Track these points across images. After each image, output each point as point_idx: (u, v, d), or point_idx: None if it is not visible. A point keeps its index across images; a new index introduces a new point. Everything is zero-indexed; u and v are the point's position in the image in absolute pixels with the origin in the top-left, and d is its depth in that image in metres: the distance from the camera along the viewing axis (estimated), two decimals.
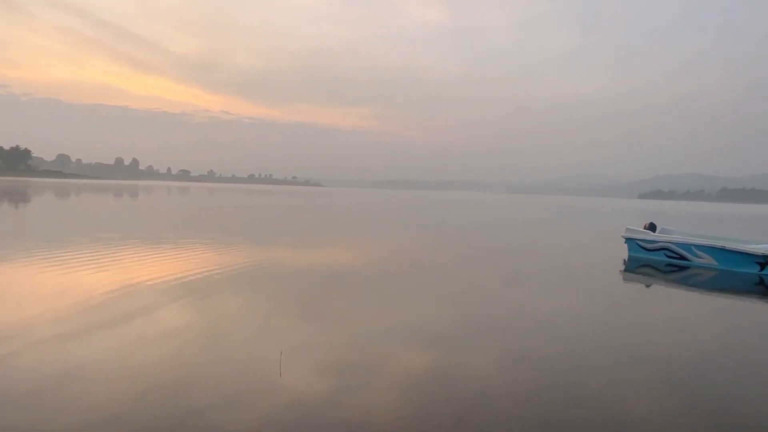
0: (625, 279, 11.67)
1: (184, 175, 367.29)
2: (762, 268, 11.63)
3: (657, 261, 13.21)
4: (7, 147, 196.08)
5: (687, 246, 12.89)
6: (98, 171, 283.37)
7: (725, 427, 4.16)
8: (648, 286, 11.05)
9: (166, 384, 4.49)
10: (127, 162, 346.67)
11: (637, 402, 4.54)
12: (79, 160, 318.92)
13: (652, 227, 14.18)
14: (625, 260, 13.58)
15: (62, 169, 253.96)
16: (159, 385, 4.47)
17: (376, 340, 6.01)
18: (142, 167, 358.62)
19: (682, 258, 12.92)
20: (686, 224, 30.12)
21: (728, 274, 11.71)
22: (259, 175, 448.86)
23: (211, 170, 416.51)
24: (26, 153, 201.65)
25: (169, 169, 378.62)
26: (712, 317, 8.40)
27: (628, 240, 14.22)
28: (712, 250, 12.44)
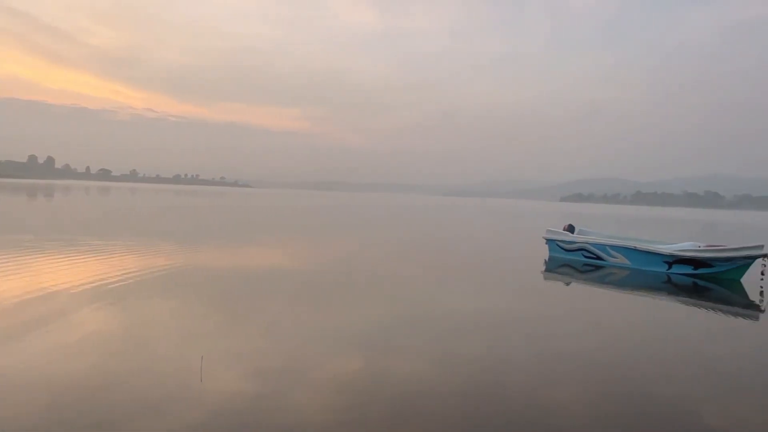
0: (545, 278, 12.17)
1: (105, 175, 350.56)
2: (669, 267, 12.43)
3: (575, 261, 13.86)
4: None
5: (602, 246, 13.60)
6: (8, 169, 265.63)
7: (641, 411, 4.44)
8: (567, 284, 11.58)
9: (81, 394, 4.31)
10: (41, 160, 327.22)
11: (560, 394, 4.76)
12: None
13: (570, 229, 14.87)
14: (546, 260, 14.16)
15: None
16: (74, 395, 4.29)
17: (303, 342, 5.99)
18: (58, 166, 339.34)
19: (598, 258, 13.62)
20: (603, 226, 31.71)
21: (639, 273, 12.45)
22: (186, 175, 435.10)
23: (134, 170, 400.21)
24: None
25: (87, 168, 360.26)
26: (626, 313, 8.90)
27: (548, 241, 14.83)
28: (625, 250, 13.19)
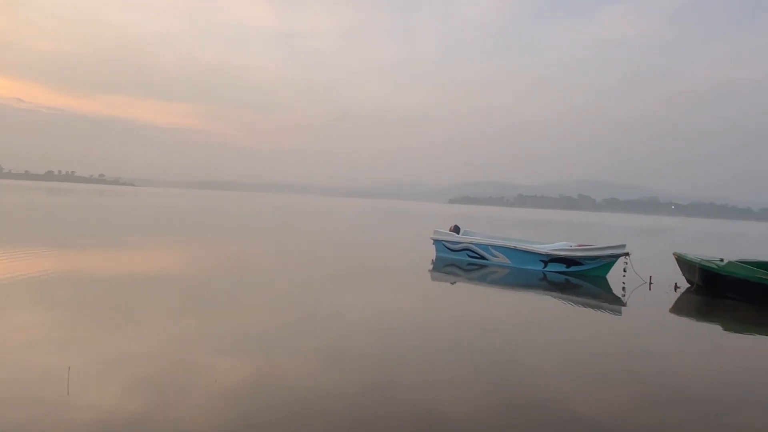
0: (432, 278, 12.53)
1: None
2: (545, 265, 13.28)
3: (460, 260, 14.42)
4: None
5: (485, 246, 14.27)
6: None
7: (523, 403, 4.69)
8: (453, 283, 12.00)
9: None
10: None
11: (448, 391, 4.89)
12: None
13: (456, 230, 15.46)
14: (433, 260, 14.60)
15: None
16: None
17: (187, 348, 5.74)
18: None
19: (482, 257, 14.26)
20: (487, 226, 33.24)
21: (518, 271, 13.18)
22: (59, 171, 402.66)
23: None
24: None
25: None
26: (508, 309, 9.38)
27: (435, 242, 15.32)
28: (505, 250, 13.92)
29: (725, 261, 10.97)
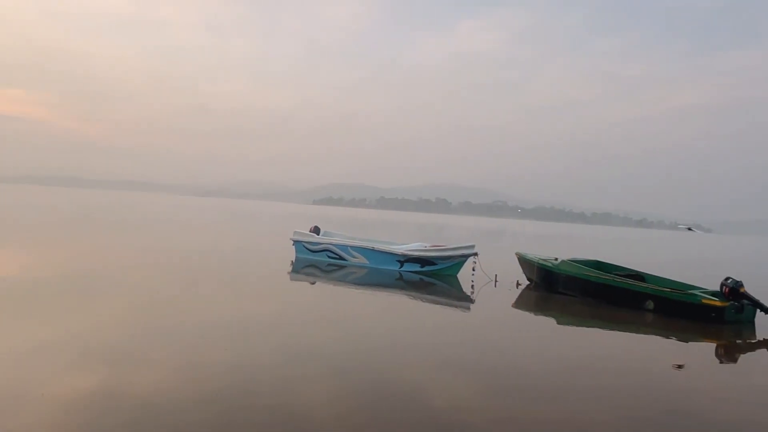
0: (292, 279, 12.42)
1: None
2: (401, 265, 13.72)
3: (320, 261, 14.45)
4: None
5: (344, 247, 14.43)
6: None
7: (382, 398, 4.76)
8: (312, 284, 11.98)
9: None
10: None
11: (309, 392, 4.83)
12: None
13: (316, 230, 15.47)
14: (292, 261, 14.47)
15: None
16: None
17: (27, 359, 5.16)
18: None
19: (341, 258, 14.41)
20: (349, 227, 33.66)
21: (376, 271, 13.49)
22: None
23: None
24: None
25: None
26: (366, 308, 9.54)
27: (295, 242, 15.21)
28: (364, 250, 14.18)
29: (559, 260, 12.07)
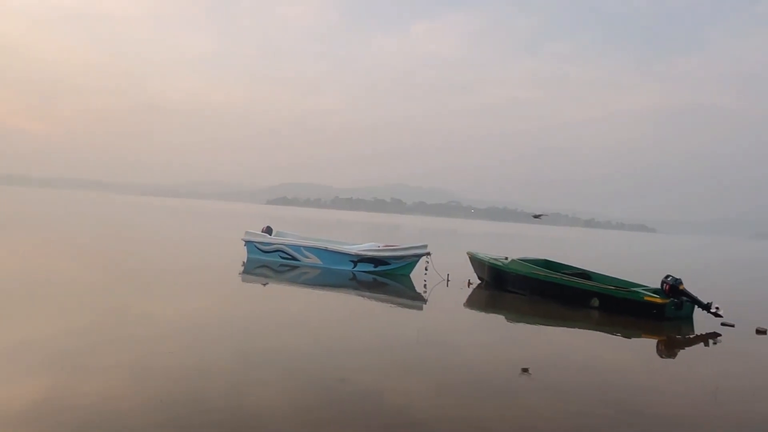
0: (244, 280, 12.23)
1: None
2: (355, 265, 13.70)
3: (272, 262, 14.28)
4: None
5: (297, 247, 14.31)
6: None
7: (337, 398, 4.71)
8: (265, 285, 11.84)
9: None
10: None
11: (264, 393, 4.78)
12: None
13: (268, 230, 15.27)
14: (244, 262, 14.25)
15: None
16: None
17: None
18: None
19: (294, 258, 14.27)
20: (303, 227, 33.42)
21: (330, 271, 13.43)
22: None
23: None
24: None
25: None
26: (319, 308, 9.50)
27: (247, 243, 14.98)
28: (317, 250, 14.10)
29: (509, 259, 12.30)
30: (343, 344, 6.90)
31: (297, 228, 25.87)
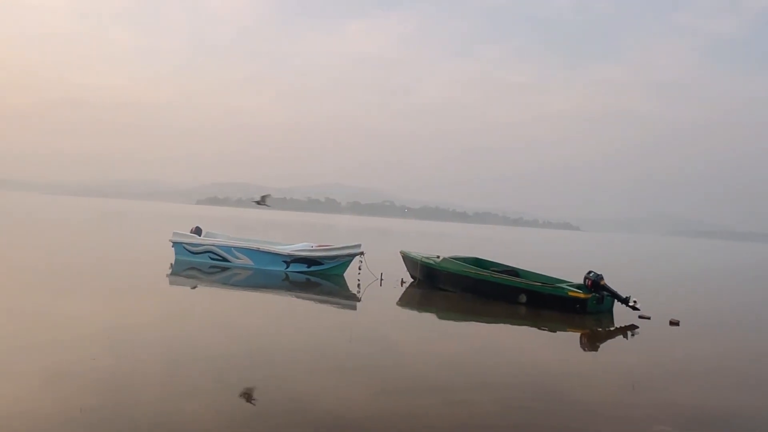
0: (171, 282, 11.83)
1: None
2: (287, 266, 13.53)
3: (202, 263, 13.88)
4: None
5: (228, 248, 13.98)
6: None
7: (271, 403, 4.65)
8: (193, 287, 11.50)
9: None
10: None
11: (193, 402, 4.61)
12: None
13: (197, 231, 14.83)
14: (172, 264, 13.79)
15: None
16: None
17: None
18: None
19: (224, 259, 13.94)
20: (234, 228, 32.72)
21: (262, 272, 13.20)
22: None
23: None
24: None
25: None
26: (250, 310, 9.31)
27: (175, 244, 14.50)
28: (248, 251, 13.82)
29: (441, 258, 12.50)
30: (275, 347, 6.80)
31: (228, 228, 25.29)
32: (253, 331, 7.60)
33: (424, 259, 12.52)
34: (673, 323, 9.54)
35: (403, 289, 12.15)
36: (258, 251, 13.74)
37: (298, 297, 11.24)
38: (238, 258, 13.85)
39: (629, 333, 9.05)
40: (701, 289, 18.34)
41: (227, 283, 12.03)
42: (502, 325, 9.50)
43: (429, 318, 10.06)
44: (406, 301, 11.20)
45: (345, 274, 13.42)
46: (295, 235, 29.32)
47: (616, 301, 10.25)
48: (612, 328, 9.46)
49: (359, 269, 12.76)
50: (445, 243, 35.84)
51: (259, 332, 7.59)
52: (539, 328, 9.11)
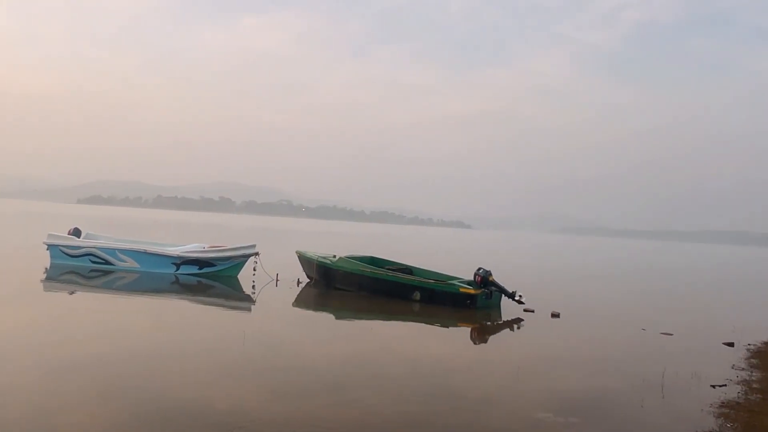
0: (46, 288, 10.96)
1: None
2: (177, 268, 12.95)
3: (82, 267, 12.95)
4: None
5: (111, 251, 13.14)
6: None
7: (164, 412, 4.41)
8: (72, 293, 10.75)
9: None
10: None
11: (70, 423, 4.24)
12: None
13: (76, 232, 13.79)
14: (47, 268, 12.75)
15: None
16: None
17: None
18: None
19: (107, 262, 13.09)
20: (120, 229, 30.88)
21: (149, 275, 12.55)
22: None
23: None
24: None
25: None
26: (138, 316, 8.79)
27: (50, 247, 13.41)
28: (134, 253, 13.08)
29: (337, 257, 12.52)
30: (164, 353, 6.48)
31: (112, 230, 23.83)
32: (139, 337, 7.20)
33: (320, 259, 12.48)
34: (554, 315, 10.18)
35: (300, 289, 12.04)
36: (145, 253, 13.04)
37: (188, 300, 10.82)
38: (122, 261, 13.06)
39: (515, 326, 9.55)
40: (580, 283, 19.72)
41: (111, 288, 11.34)
42: (397, 322, 9.69)
43: (325, 318, 10.05)
44: (302, 301, 11.11)
45: (239, 276, 13.09)
46: (187, 236, 28.15)
47: (503, 295, 10.77)
48: (500, 322, 9.94)
49: (254, 270, 12.48)
50: (343, 242, 35.96)
51: (146, 338, 7.19)
52: (432, 325, 9.39)
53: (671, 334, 9.12)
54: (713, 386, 6.06)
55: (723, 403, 5.49)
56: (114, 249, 13.18)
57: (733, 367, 7.04)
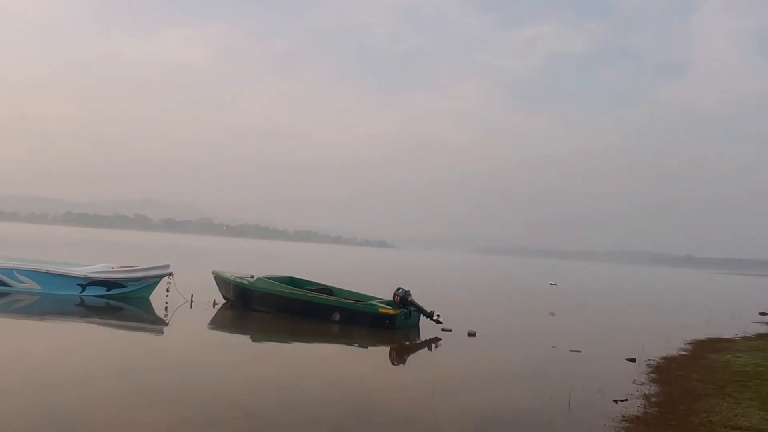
0: None
1: None
2: (83, 290, 12.21)
3: None
4: None
5: (8, 271, 12.21)
6: None
7: None
8: None
9: None
10: None
11: None
12: None
13: None
14: None
15: None
16: None
17: None
18: None
19: (3, 284, 12.14)
20: (20, 248, 28.88)
21: (51, 297, 11.76)
22: None
23: None
24: None
25: None
26: (37, 341, 8.22)
27: None
28: (35, 274, 12.21)
29: (255, 277, 12.24)
30: (66, 380, 6.06)
31: (10, 248, 22.26)
32: (39, 364, 6.72)
33: (237, 279, 12.15)
34: (471, 334, 10.40)
35: (215, 311, 11.67)
36: (47, 273, 12.20)
37: (94, 323, 10.26)
38: (21, 282, 12.15)
39: (433, 345, 9.68)
40: (494, 301, 20.31)
41: (6, 311, 10.55)
42: (316, 344, 9.58)
43: (241, 340, 9.78)
44: (217, 323, 10.78)
45: (151, 297, 12.51)
46: (96, 255, 26.71)
47: (422, 315, 10.90)
48: (418, 341, 10.04)
49: (167, 291, 11.98)
50: (263, 262, 35.30)
51: (47, 365, 6.73)
52: (351, 345, 9.36)
53: (580, 351, 9.53)
54: (615, 401, 6.37)
55: (624, 417, 5.77)
56: (11, 269, 12.24)
57: (634, 382, 7.44)
